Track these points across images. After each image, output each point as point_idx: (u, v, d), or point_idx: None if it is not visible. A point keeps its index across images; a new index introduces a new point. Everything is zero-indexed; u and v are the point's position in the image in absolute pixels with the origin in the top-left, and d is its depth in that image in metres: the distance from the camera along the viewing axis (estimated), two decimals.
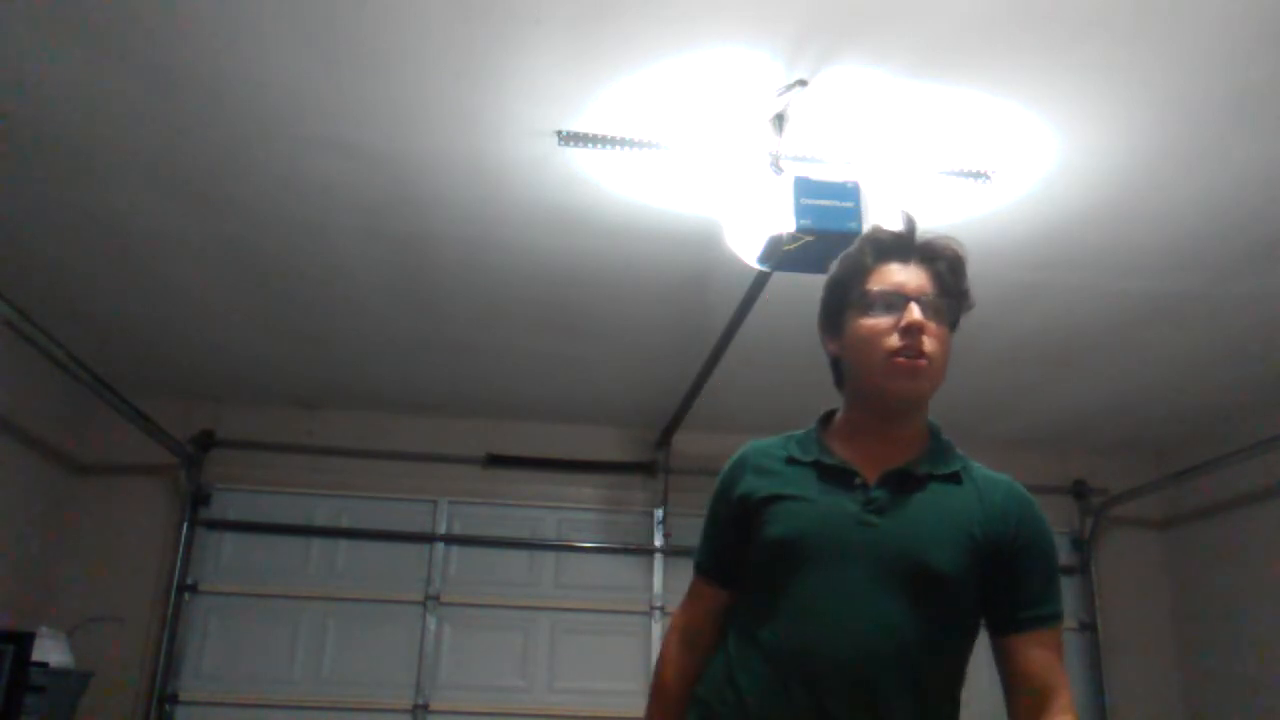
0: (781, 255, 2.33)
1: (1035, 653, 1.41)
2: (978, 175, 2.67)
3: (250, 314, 3.73)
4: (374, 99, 2.43)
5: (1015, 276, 3.25)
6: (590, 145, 2.57)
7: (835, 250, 2.30)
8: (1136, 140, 2.52)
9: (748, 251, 2.43)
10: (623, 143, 2.56)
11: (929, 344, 1.42)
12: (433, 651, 4.52)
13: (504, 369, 4.23)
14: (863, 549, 1.40)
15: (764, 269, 2.55)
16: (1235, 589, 4.53)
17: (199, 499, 4.54)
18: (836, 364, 1.54)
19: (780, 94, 2.33)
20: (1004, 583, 1.42)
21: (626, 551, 4.73)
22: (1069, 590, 4.92)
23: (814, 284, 2.83)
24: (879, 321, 1.43)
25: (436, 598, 4.58)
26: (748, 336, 3.37)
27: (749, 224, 2.39)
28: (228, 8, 2.13)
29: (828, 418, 1.57)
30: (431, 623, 4.55)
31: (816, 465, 1.48)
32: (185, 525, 4.48)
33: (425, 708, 4.43)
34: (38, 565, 4.17)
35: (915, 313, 1.41)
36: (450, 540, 4.69)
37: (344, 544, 4.63)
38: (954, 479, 1.46)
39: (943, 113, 2.43)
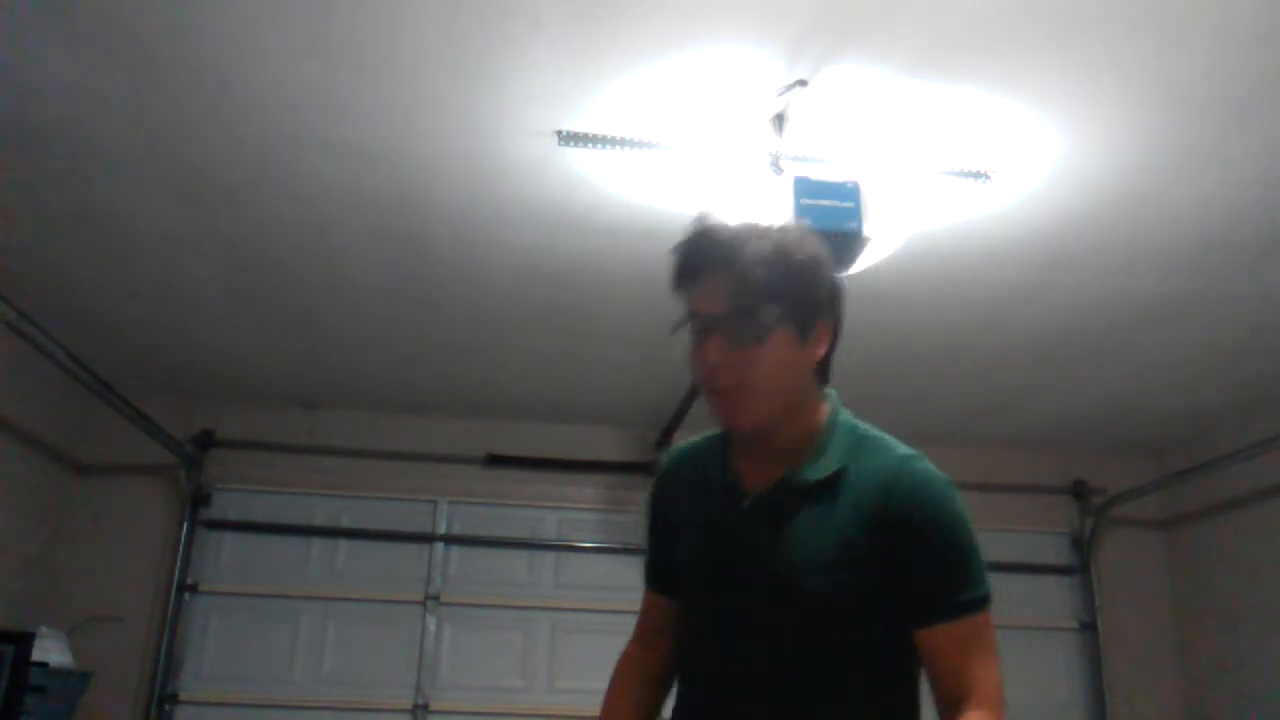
0: None
1: (944, 646, 1.29)
2: (978, 175, 2.67)
3: (250, 314, 3.73)
4: (374, 99, 2.43)
5: (1015, 276, 3.25)
6: (590, 145, 2.56)
7: (835, 250, 2.32)
8: (1137, 140, 2.52)
9: None
10: (623, 143, 2.56)
11: (727, 374, 1.27)
12: (433, 651, 4.52)
13: (504, 369, 4.23)
14: (743, 577, 1.34)
15: None
16: (1235, 589, 4.53)
17: (199, 499, 4.54)
18: None
19: (780, 94, 2.33)
20: (902, 576, 1.29)
21: (626, 551, 4.73)
22: (1069, 590, 4.94)
23: None
24: (692, 351, 1.31)
25: (436, 598, 4.58)
26: None
27: None
28: (228, 8, 2.13)
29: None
30: (431, 623, 4.55)
31: (719, 479, 1.40)
32: (185, 525, 4.47)
33: (425, 708, 4.43)
34: (38, 565, 4.17)
35: (704, 347, 1.28)
36: (450, 540, 4.69)
37: (344, 544, 4.63)
38: (836, 479, 1.32)
39: (943, 113, 2.42)
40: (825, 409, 1.38)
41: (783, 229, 1.31)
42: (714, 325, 1.27)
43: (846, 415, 1.41)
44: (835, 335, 1.35)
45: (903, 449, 1.37)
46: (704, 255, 1.30)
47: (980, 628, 1.30)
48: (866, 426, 1.40)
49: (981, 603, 1.31)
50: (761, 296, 1.25)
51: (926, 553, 1.29)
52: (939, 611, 1.29)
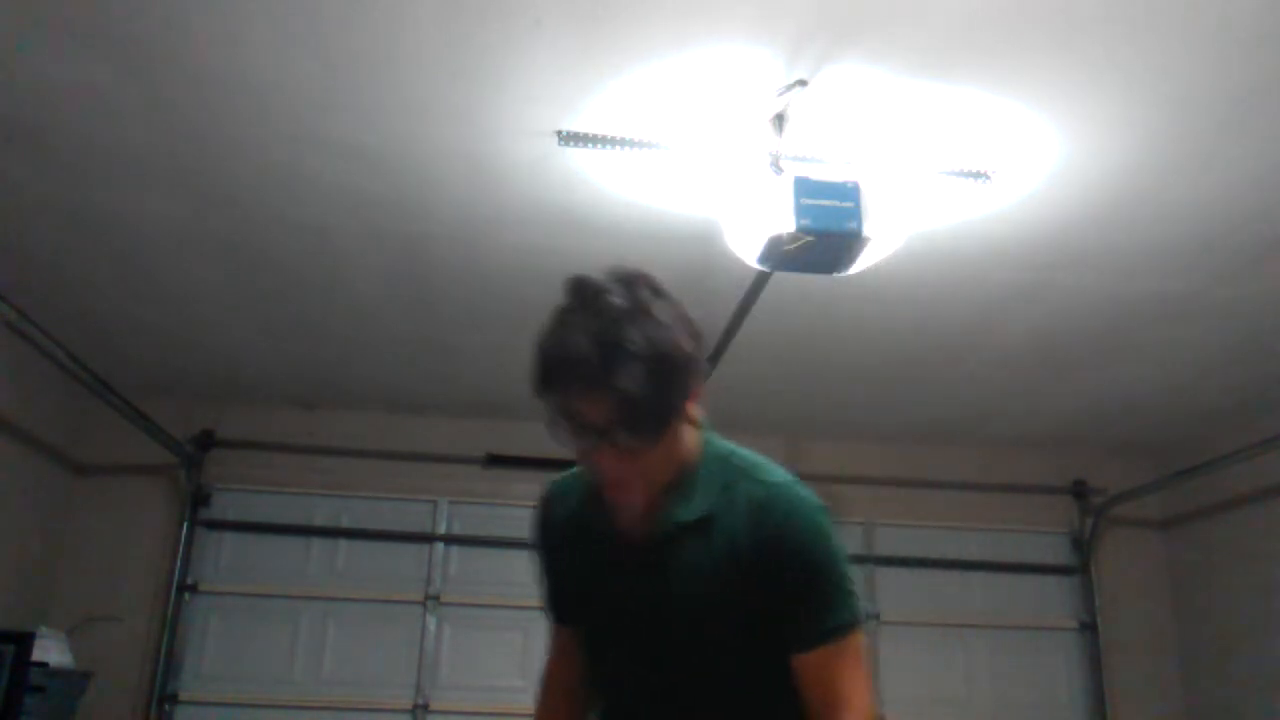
0: (781, 255, 2.33)
1: (815, 670, 1.32)
2: (978, 175, 2.67)
3: (250, 314, 3.73)
4: (374, 99, 2.43)
5: (1015, 276, 3.25)
6: (590, 145, 2.56)
7: (835, 250, 2.33)
8: (1137, 140, 2.52)
9: (748, 251, 2.43)
10: (623, 143, 2.55)
11: (622, 477, 1.29)
12: (433, 651, 4.52)
13: (504, 369, 4.22)
14: (630, 619, 1.39)
15: (764, 269, 2.55)
16: (1235, 589, 4.53)
17: (199, 499, 4.54)
18: None
19: (780, 94, 2.33)
20: (773, 606, 1.32)
21: None
22: (1069, 590, 4.94)
23: (814, 284, 2.84)
24: (579, 446, 1.29)
25: (436, 598, 4.58)
26: (748, 336, 3.37)
27: (749, 224, 2.39)
28: (228, 9, 2.13)
29: None
30: (431, 623, 4.55)
31: (591, 521, 1.41)
32: (185, 525, 4.48)
33: (425, 708, 4.43)
34: (38, 565, 4.17)
35: (601, 459, 1.28)
36: (450, 540, 4.69)
37: (344, 544, 4.63)
38: (707, 519, 1.34)
39: (943, 113, 2.42)
40: (696, 441, 1.38)
41: (650, 308, 1.25)
42: (601, 435, 1.24)
43: (716, 444, 1.41)
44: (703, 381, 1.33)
45: (774, 476, 1.37)
46: (575, 368, 1.22)
47: (848, 649, 1.33)
48: (738, 452, 1.41)
49: (849, 627, 1.33)
50: (644, 415, 1.22)
51: (795, 583, 1.32)
52: (810, 638, 1.32)
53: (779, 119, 2.42)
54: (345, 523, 4.66)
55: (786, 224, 2.24)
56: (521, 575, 4.66)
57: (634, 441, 1.24)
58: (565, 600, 1.55)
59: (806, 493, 1.37)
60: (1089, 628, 4.86)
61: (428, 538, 4.67)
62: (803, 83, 2.29)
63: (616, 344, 1.20)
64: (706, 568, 1.32)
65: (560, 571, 1.52)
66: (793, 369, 4.10)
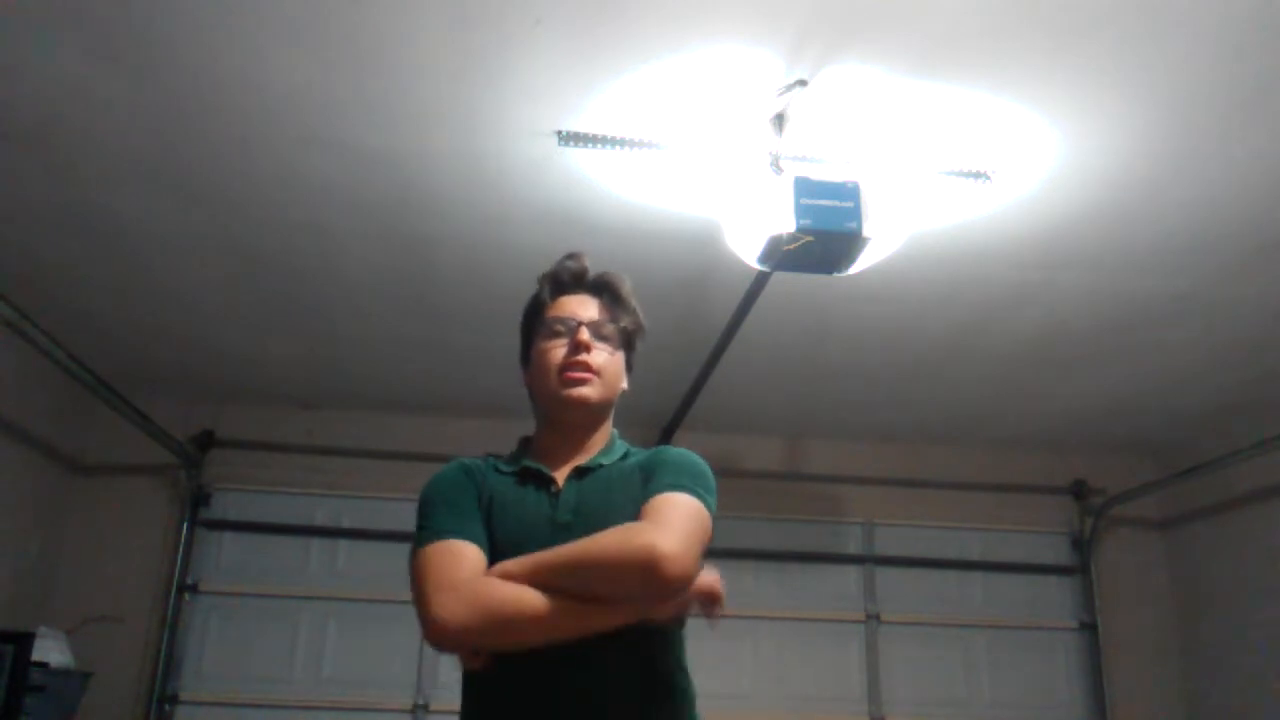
0: (781, 255, 2.33)
1: (648, 507, 1.50)
2: (978, 175, 2.67)
3: (250, 314, 3.73)
4: (374, 99, 2.43)
5: (1015, 276, 3.26)
6: (590, 145, 2.57)
7: (835, 250, 2.33)
8: (1137, 140, 2.52)
9: (748, 251, 2.43)
10: (623, 143, 2.56)
11: (596, 358, 1.61)
12: (433, 651, 4.51)
13: (504, 369, 4.21)
14: (570, 540, 1.51)
15: (764, 269, 2.55)
16: (1235, 589, 4.53)
17: (199, 499, 4.54)
18: (531, 394, 1.71)
19: (780, 94, 2.33)
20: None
21: None
22: (1069, 590, 4.95)
23: (814, 284, 2.84)
24: (554, 343, 1.64)
25: None
26: (748, 336, 3.37)
27: (749, 224, 2.39)
28: (228, 8, 2.13)
29: (526, 442, 1.75)
30: None
31: (519, 472, 1.65)
32: (185, 525, 4.48)
33: (425, 708, 4.43)
34: (38, 565, 4.17)
35: (583, 334, 1.62)
36: None
37: (344, 544, 4.63)
38: (624, 459, 1.65)
39: (943, 113, 2.43)
40: (611, 427, 1.72)
41: (620, 281, 1.71)
42: (592, 328, 1.63)
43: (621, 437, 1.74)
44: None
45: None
46: (581, 278, 1.69)
47: (684, 499, 1.51)
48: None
49: (689, 491, 1.52)
50: (627, 318, 1.68)
51: (661, 468, 1.57)
52: (653, 490, 1.53)
53: (779, 119, 2.42)
54: (345, 523, 4.66)
55: (786, 224, 2.25)
56: None
57: (612, 331, 1.64)
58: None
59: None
60: (1089, 628, 4.86)
61: None
62: (803, 83, 2.30)
63: (605, 273, 1.70)
64: (630, 497, 1.55)
65: (488, 512, 1.63)
66: (793, 369, 4.10)
